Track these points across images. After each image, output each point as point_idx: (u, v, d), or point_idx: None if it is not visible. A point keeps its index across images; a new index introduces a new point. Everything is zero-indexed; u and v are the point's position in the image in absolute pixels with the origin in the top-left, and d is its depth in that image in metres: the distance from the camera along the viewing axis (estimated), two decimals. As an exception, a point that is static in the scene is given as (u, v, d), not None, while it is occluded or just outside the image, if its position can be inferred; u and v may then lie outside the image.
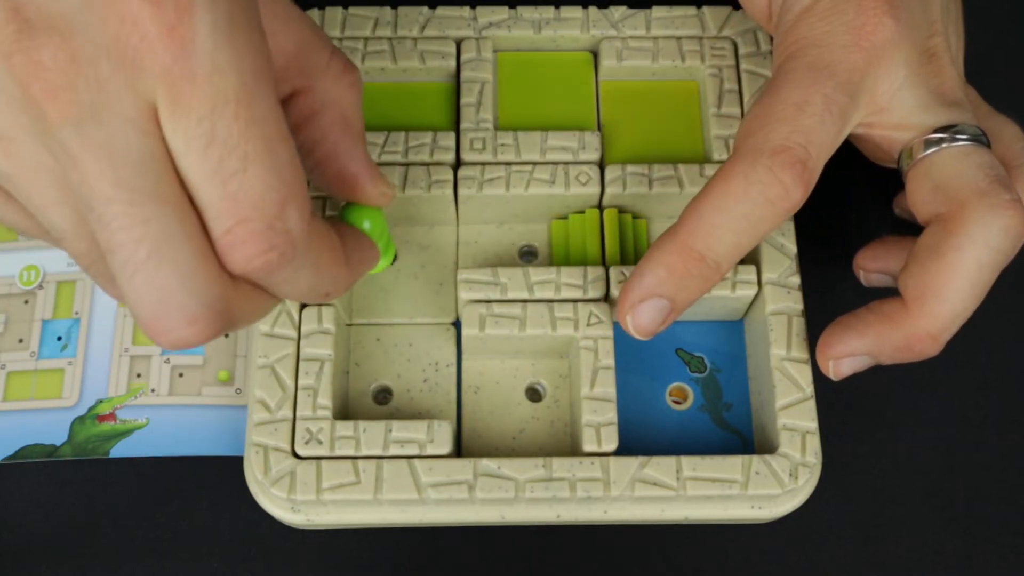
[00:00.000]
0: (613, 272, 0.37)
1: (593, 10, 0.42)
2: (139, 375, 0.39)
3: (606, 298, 0.37)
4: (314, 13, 0.41)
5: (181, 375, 0.39)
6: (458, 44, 0.41)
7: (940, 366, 0.36)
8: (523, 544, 0.38)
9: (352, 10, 0.42)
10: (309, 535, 0.37)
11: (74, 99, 0.23)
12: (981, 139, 0.33)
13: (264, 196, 0.25)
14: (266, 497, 0.35)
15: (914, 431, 0.40)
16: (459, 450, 0.37)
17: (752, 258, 0.38)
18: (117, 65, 0.23)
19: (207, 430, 0.39)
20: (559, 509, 0.36)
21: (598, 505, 0.36)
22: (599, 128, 0.41)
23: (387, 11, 0.42)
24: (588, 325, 0.37)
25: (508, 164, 0.39)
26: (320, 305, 0.37)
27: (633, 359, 0.39)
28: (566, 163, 0.39)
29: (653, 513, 0.36)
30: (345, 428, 0.35)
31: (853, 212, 0.43)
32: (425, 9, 0.42)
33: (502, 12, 0.42)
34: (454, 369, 0.39)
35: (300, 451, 0.35)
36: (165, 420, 0.39)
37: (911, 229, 0.35)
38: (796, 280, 0.37)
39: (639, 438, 0.38)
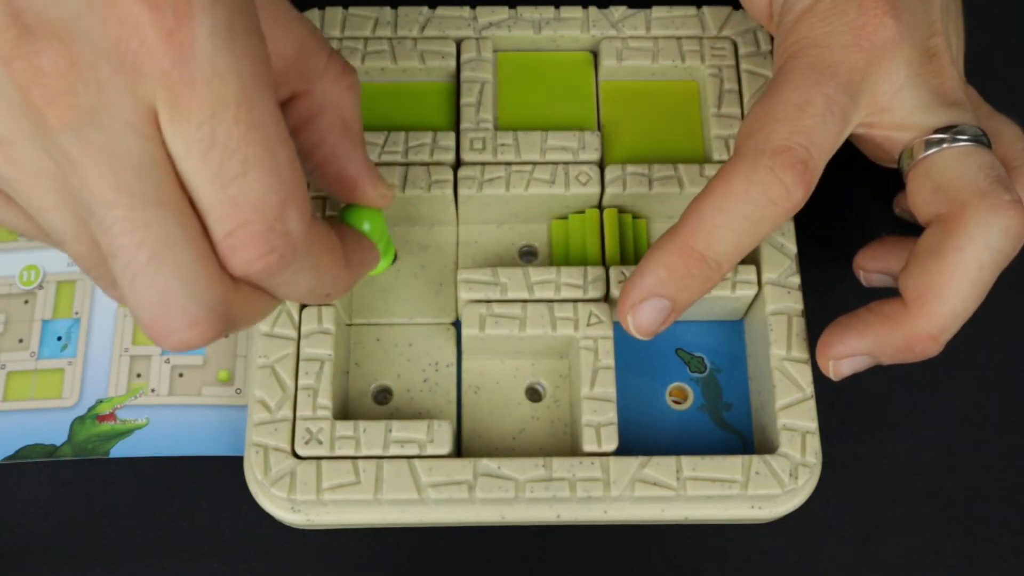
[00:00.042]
0: (613, 272, 0.37)
1: (593, 10, 0.42)
2: (139, 375, 0.39)
3: (606, 298, 0.37)
4: (314, 13, 0.41)
5: (181, 375, 0.39)
6: (458, 44, 0.41)
7: (940, 366, 0.36)
8: (523, 544, 0.38)
9: (352, 10, 0.42)
10: (309, 535, 0.37)
11: (74, 104, 0.23)
12: (982, 139, 0.33)
13: (264, 199, 0.25)
14: (266, 497, 0.35)
15: (914, 431, 0.40)
16: (459, 450, 0.37)
17: (752, 258, 0.38)
18: (117, 70, 0.23)
19: (207, 430, 0.39)
20: (559, 509, 0.36)
21: (598, 505, 0.36)
22: (599, 128, 0.41)
23: (387, 11, 0.42)
24: (588, 325, 0.37)
25: (508, 164, 0.39)
26: (320, 305, 0.37)
27: (633, 359, 0.39)
28: (566, 163, 0.39)
29: (653, 513, 0.36)
30: (345, 428, 0.35)
31: (853, 212, 0.43)
32: (425, 9, 0.42)
33: (502, 12, 0.42)
34: (454, 369, 0.39)
35: (300, 451, 0.35)
36: (165, 420, 0.39)
37: (911, 229, 0.35)
38: (796, 280, 0.37)
39: (639, 438, 0.38)
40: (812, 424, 0.36)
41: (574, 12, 0.42)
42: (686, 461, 0.35)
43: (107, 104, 0.23)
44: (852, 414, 0.40)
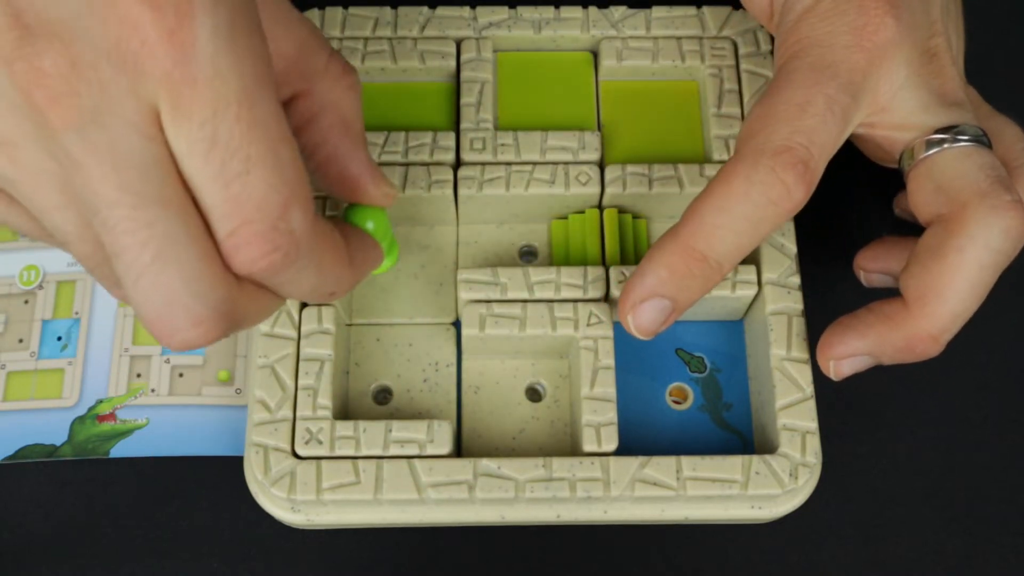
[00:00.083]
0: (613, 272, 0.37)
1: (593, 10, 0.42)
2: (139, 375, 0.39)
3: (606, 298, 0.37)
4: (314, 13, 0.41)
5: (181, 375, 0.39)
6: (458, 44, 0.41)
7: (940, 366, 0.36)
8: (523, 544, 0.38)
9: (352, 10, 0.42)
10: (309, 535, 0.37)
11: (76, 104, 0.23)
12: (982, 140, 0.33)
13: (267, 197, 0.25)
14: (266, 497, 0.35)
15: (914, 431, 0.40)
16: (459, 450, 0.37)
17: (752, 258, 0.38)
18: (118, 70, 0.23)
19: (207, 430, 0.39)
20: (559, 509, 0.36)
21: (598, 505, 0.36)
22: (599, 128, 0.41)
23: (387, 11, 0.42)
24: (588, 325, 0.37)
25: (508, 164, 0.39)
26: (320, 305, 0.37)
27: (633, 359, 0.39)
28: (566, 163, 0.39)
29: (653, 513, 0.36)
30: (345, 428, 0.35)
31: (853, 212, 0.43)
32: (425, 9, 0.42)
33: (502, 12, 0.42)
34: (454, 369, 0.39)
35: (300, 451, 0.35)
36: (165, 420, 0.39)
37: (911, 229, 0.35)
38: (796, 280, 0.37)
39: (639, 438, 0.38)
40: (812, 424, 0.36)
41: (574, 12, 0.42)
42: (686, 461, 0.35)
43: (109, 104, 0.23)
44: (852, 414, 0.40)
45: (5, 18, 0.23)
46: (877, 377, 0.37)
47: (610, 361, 0.36)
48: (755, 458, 0.35)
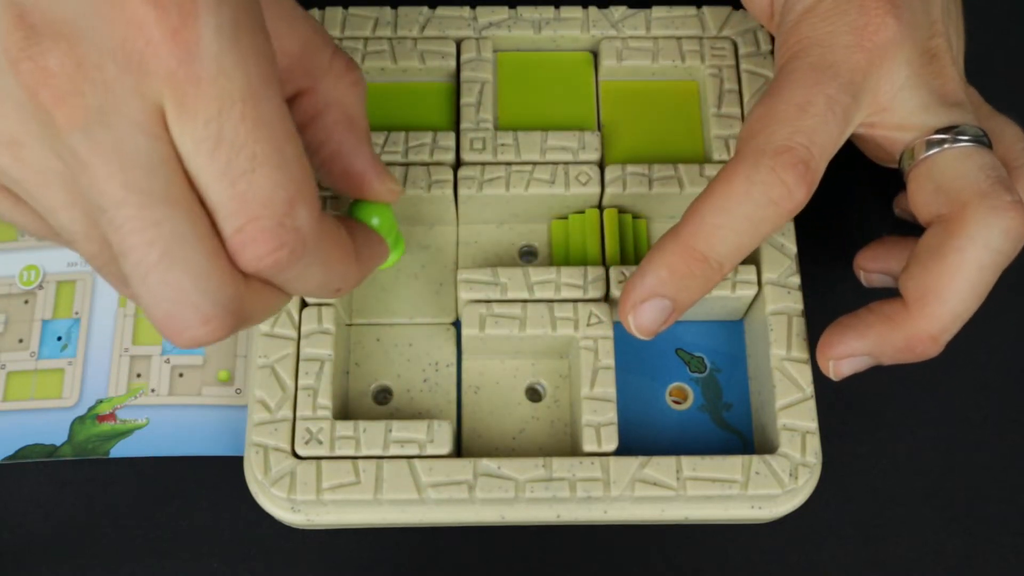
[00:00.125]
0: (613, 272, 0.37)
1: (593, 10, 0.42)
2: (139, 375, 0.39)
3: (606, 298, 0.37)
4: (314, 13, 0.41)
5: (181, 375, 0.39)
6: (458, 44, 0.41)
7: (940, 366, 0.36)
8: (523, 544, 0.38)
9: (352, 10, 0.42)
10: (309, 535, 0.37)
11: (82, 104, 0.23)
12: (982, 140, 0.33)
13: (273, 195, 0.25)
14: (266, 497, 0.35)
15: (914, 431, 0.40)
16: (459, 450, 0.37)
17: (752, 258, 0.38)
18: (123, 69, 0.23)
19: (207, 430, 0.39)
20: (559, 509, 0.36)
21: (598, 505, 0.36)
22: (599, 128, 0.41)
23: (387, 11, 0.42)
24: (588, 325, 0.37)
25: (508, 164, 0.39)
26: (320, 305, 0.37)
27: (633, 359, 0.39)
28: (566, 163, 0.39)
29: (653, 513, 0.36)
30: (345, 428, 0.35)
31: (853, 212, 0.43)
32: (425, 9, 0.42)
33: (502, 12, 0.42)
34: (454, 369, 0.39)
35: (300, 451, 0.35)
36: (165, 420, 0.39)
37: (911, 229, 0.35)
38: (796, 280, 0.37)
39: (639, 438, 0.38)
40: (812, 424, 0.36)
41: (574, 12, 0.42)
42: (686, 461, 0.35)
43: (114, 104, 0.23)
44: (852, 414, 0.40)
45: (10, 18, 0.23)
46: (877, 377, 0.37)
47: (610, 361, 0.36)
48: (755, 458, 0.35)
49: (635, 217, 0.40)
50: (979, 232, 0.32)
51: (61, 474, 0.38)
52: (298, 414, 0.35)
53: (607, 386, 0.36)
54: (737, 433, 0.38)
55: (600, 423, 0.35)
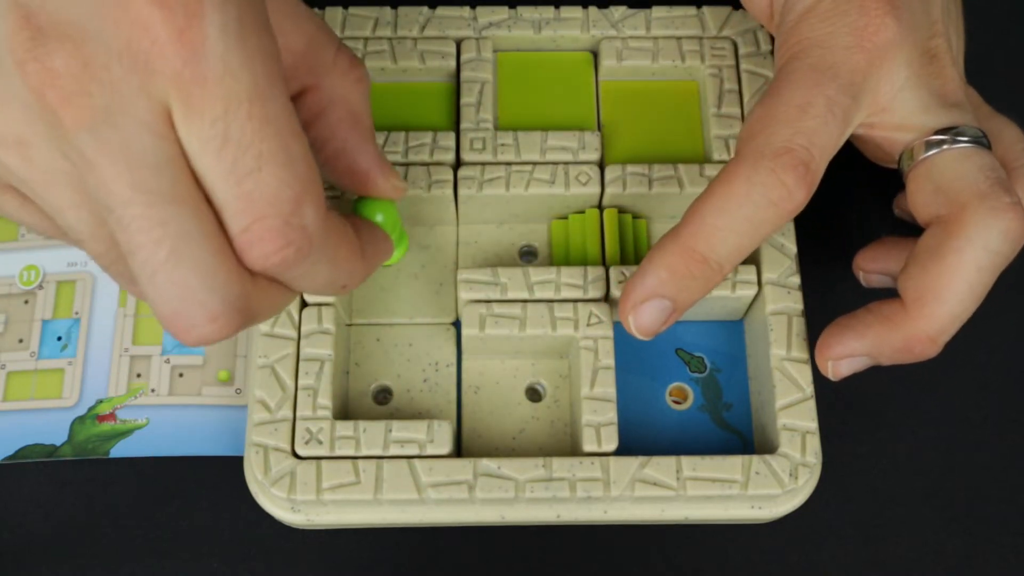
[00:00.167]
0: (613, 272, 0.37)
1: (593, 10, 0.42)
2: (139, 375, 0.39)
3: (606, 298, 0.37)
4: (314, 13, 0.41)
5: (181, 375, 0.39)
6: (458, 44, 0.41)
7: (940, 366, 0.36)
8: (523, 544, 0.38)
9: (352, 10, 0.42)
10: (309, 535, 0.37)
11: (88, 104, 0.23)
12: (982, 141, 0.33)
13: (280, 193, 0.25)
14: (266, 497, 0.35)
15: (914, 431, 0.40)
16: (459, 450, 0.37)
17: (752, 258, 0.38)
18: (129, 70, 0.23)
19: (207, 430, 0.39)
20: (559, 509, 0.36)
21: (598, 505, 0.36)
22: (599, 128, 0.41)
23: (387, 11, 0.42)
24: (588, 325, 0.37)
25: (508, 164, 0.39)
26: (320, 305, 0.37)
27: (633, 359, 0.39)
28: (566, 163, 0.39)
29: (653, 513, 0.36)
30: (345, 428, 0.35)
31: (853, 212, 0.43)
32: (425, 9, 0.42)
33: (502, 12, 0.42)
34: (454, 369, 0.39)
35: (300, 451, 0.35)
36: (165, 420, 0.39)
37: (911, 230, 0.35)
38: (796, 280, 0.37)
39: (639, 438, 0.38)
40: (812, 424, 0.36)
41: (574, 12, 0.42)
42: (686, 461, 0.35)
43: (121, 104, 0.24)
44: (852, 414, 0.40)
45: (16, 19, 0.23)
46: (877, 377, 0.37)
47: (610, 361, 0.36)
48: (755, 458, 0.35)
49: (635, 217, 0.40)
50: (978, 233, 0.32)
51: (61, 474, 0.38)
52: (298, 414, 0.35)
53: (607, 386, 0.36)
54: (737, 433, 0.38)
55: (600, 423, 0.35)
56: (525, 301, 0.37)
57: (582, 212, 0.40)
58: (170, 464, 0.38)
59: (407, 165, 0.39)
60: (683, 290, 0.33)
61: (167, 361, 0.40)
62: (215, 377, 0.39)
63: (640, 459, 0.35)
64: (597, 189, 0.39)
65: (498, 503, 0.35)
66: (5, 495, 0.38)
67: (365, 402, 0.38)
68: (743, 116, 0.40)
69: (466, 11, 0.42)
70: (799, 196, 0.31)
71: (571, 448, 0.37)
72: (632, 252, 0.39)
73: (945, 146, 0.33)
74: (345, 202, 0.37)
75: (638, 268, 0.34)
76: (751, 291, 0.37)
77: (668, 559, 0.38)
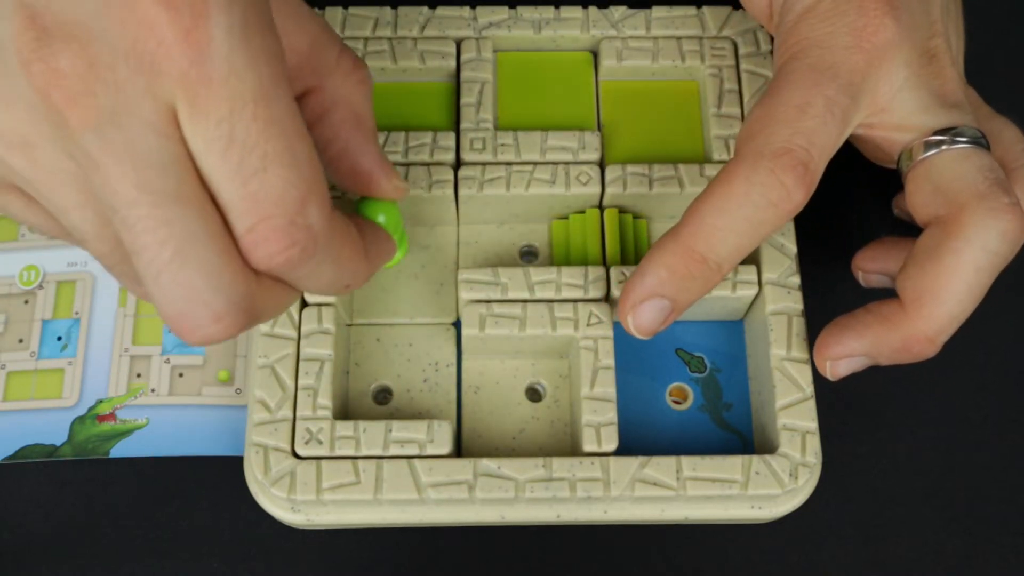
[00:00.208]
0: (614, 272, 0.37)
1: (593, 10, 0.42)
2: (139, 375, 0.39)
3: (607, 298, 0.37)
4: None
5: (181, 375, 0.39)
6: (458, 44, 0.41)
7: (940, 366, 0.36)
8: (523, 544, 0.38)
9: (352, 10, 0.42)
10: (309, 535, 0.37)
11: (94, 104, 0.23)
12: (981, 141, 0.33)
13: (285, 193, 0.25)
14: (266, 497, 0.35)
15: (914, 431, 0.40)
16: (459, 450, 0.37)
17: (752, 258, 0.38)
18: (135, 70, 0.23)
19: (207, 430, 0.39)
20: (559, 509, 0.36)
21: (598, 505, 0.36)
22: (599, 128, 0.41)
23: (387, 11, 0.42)
24: (588, 325, 0.37)
25: (508, 164, 0.39)
26: (320, 305, 0.37)
27: (633, 359, 0.39)
28: (566, 163, 0.39)
29: (653, 513, 0.36)
30: (345, 428, 0.35)
31: (853, 212, 0.43)
32: (425, 9, 0.42)
33: (502, 12, 0.42)
34: (454, 369, 0.39)
35: (300, 451, 0.35)
36: (165, 420, 0.39)
37: (910, 230, 0.35)
38: (796, 280, 0.37)
39: (639, 438, 0.38)
40: (812, 424, 0.36)
41: (574, 12, 0.42)
42: (686, 461, 0.35)
43: (126, 104, 0.24)
44: (852, 414, 0.40)
45: (22, 20, 0.23)
46: (877, 377, 0.37)
47: (610, 361, 0.36)
48: (755, 458, 0.35)
49: (636, 217, 0.40)
50: (976, 234, 0.32)
51: (61, 474, 0.38)
52: (298, 414, 0.35)
53: (607, 386, 0.36)
54: (737, 433, 0.38)
55: (600, 423, 0.35)
56: (526, 301, 0.37)
57: (582, 212, 0.40)
58: (170, 464, 0.38)
59: (407, 165, 0.39)
60: (682, 290, 0.33)
61: (167, 361, 0.40)
62: (215, 377, 0.39)
63: (640, 459, 0.35)
64: (598, 189, 0.39)
65: (498, 503, 0.35)
66: (5, 495, 0.38)
67: (365, 402, 0.38)
68: (743, 116, 0.40)
69: (466, 11, 0.42)
70: (798, 196, 0.31)
71: (571, 448, 0.37)
72: (633, 252, 0.39)
73: (944, 146, 0.33)
74: (346, 202, 0.37)
75: (637, 268, 0.34)
76: (751, 291, 0.37)
77: (668, 559, 0.38)
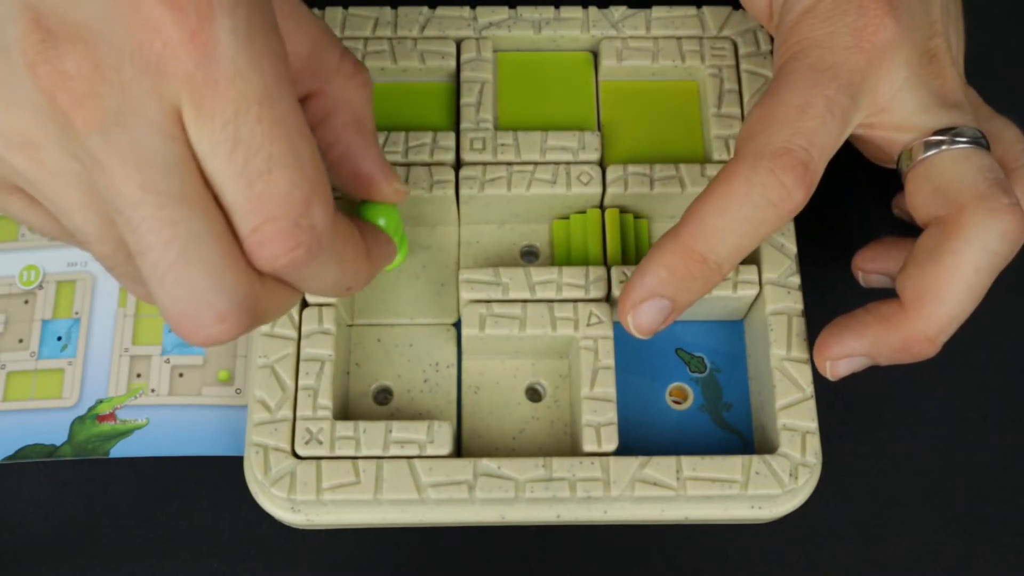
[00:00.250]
0: (615, 272, 0.37)
1: (593, 10, 0.42)
2: (139, 375, 0.39)
3: (607, 298, 0.37)
4: (314, 14, 0.41)
5: (181, 375, 0.39)
6: (458, 44, 0.41)
7: (940, 366, 0.36)
8: (523, 544, 0.38)
9: (352, 10, 0.42)
10: (309, 535, 0.37)
11: (99, 106, 0.24)
12: (981, 141, 0.33)
13: (289, 195, 0.25)
14: (266, 497, 0.35)
15: (914, 431, 0.40)
16: (459, 450, 0.37)
17: (752, 258, 0.38)
18: (141, 71, 0.23)
19: (207, 430, 0.39)
20: (559, 509, 0.36)
21: (598, 505, 0.36)
22: (599, 128, 0.41)
23: (387, 11, 0.42)
24: (588, 325, 0.37)
25: (509, 164, 0.39)
26: (321, 305, 0.37)
27: (633, 359, 0.39)
28: (567, 163, 0.39)
29: (653, 513, 0.36)
30: (345, 428, 0.35)
31: (853, 212, 0.43)
32: (425, 9, 0.42)
33: (502, 12, 0.42)
34: (454, 369, 0.39)
35: (300, 451, 0.35)
36: (165, 420, 0.39)
37: (910, 230, 0.35)
38: (796, 280, 0.37)
39: (639, 438, 0.38)
40: (812, 424, 0.36)
41: (574, 12, 0.42)
42: (686, 461, 0.35)
43: (132, 105, 0.24)
44: (852, 414, 0.40)
45: (27, 22, 0.23)
46: (877, 377, 0.37)
47: (610, 361, 0.36)
48: (755, 458, 0.35)
49: (636, 217, 0.40)
50: (976, 234, 0.32)
51: (61, 474, 0.38)
52: (298, 414, 0.35)
53: (607, 386, 0.36)
54: (737, 433, 0.38)
55: (600, 423, 0.35)
56: (526, 301, 0.37)
57: (583, 212, 0.40)
58: (170, 464, 0.38)
59: (408, 165, 0.39)
60: (682, 290, 0.33)
61: (167, 361, 0.40)
62: (215, 377, 0.39)
63: (640, 459, 0.35)
64: (598, 189, 0.39)
65: (498, 503, 0.35)
66: (5, 495, 0.38)
67: (365, 402, 0.38)
68: (743, 116, 0.40)
69: (466, 11, 0.42)
70: (798, 196, 0.31)
71: (571, 448, 0.37)
72: (634, 252, 0.39)
73: (944, 147, 0.33)
74: (347, 203, 0.37)
75: (637, 268, 0.34)
76: (751, 291, 0.37)
77: (668, 559, 0.38)
